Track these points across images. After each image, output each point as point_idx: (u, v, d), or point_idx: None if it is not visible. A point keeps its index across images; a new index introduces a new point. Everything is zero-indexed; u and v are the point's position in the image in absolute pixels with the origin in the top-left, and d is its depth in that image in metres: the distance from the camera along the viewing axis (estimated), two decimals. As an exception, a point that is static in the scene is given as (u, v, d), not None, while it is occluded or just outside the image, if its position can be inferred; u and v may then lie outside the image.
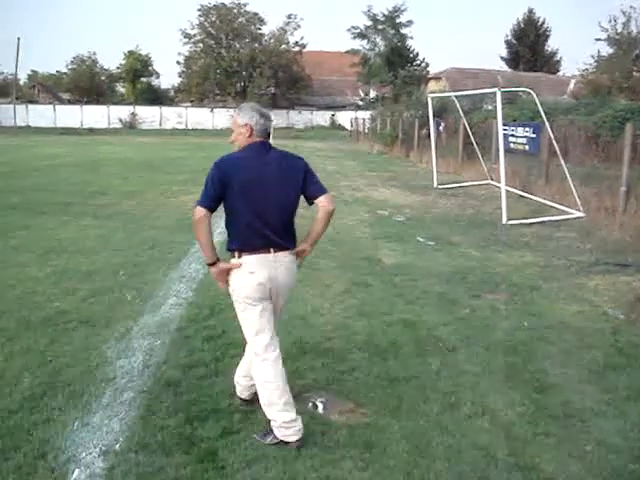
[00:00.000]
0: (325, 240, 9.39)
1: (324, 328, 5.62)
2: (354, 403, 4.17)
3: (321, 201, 3.74)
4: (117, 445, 3.59)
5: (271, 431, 3.66)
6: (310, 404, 4.12)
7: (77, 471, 3.34)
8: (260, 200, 3.63)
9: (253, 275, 3.64)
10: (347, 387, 4.42)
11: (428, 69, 54.23)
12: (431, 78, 51.32)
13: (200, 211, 3.57)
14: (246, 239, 3.66)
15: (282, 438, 3.61)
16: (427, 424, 3.91)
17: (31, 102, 65.67)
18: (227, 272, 3.72)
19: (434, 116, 20.00)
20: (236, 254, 3.69)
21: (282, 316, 4.16)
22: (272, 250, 3.66)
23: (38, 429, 3.73)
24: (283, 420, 3.61)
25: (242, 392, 4.09)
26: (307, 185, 3.75)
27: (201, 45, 66.20)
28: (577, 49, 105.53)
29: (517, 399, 4.27)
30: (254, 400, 3.89)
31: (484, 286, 7.15)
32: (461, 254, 8.85)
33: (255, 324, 3.71)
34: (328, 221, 3.79)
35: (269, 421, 3.68)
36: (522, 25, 60.72)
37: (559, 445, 3.69)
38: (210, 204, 3.60)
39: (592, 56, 34.70)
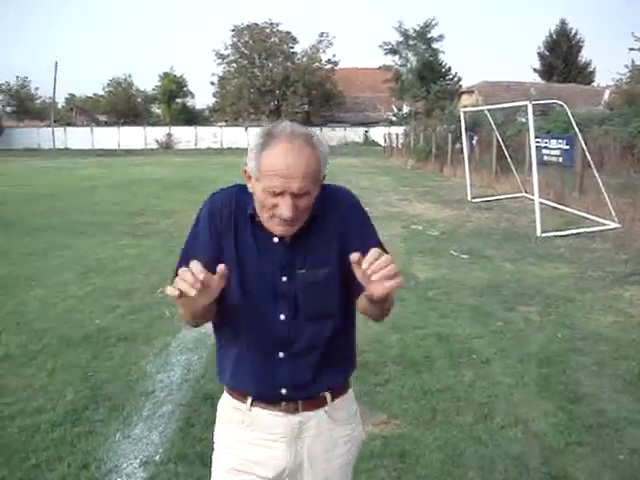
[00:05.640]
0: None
1: (358, 342, 5.65)
2: (388, 414, 4.22)
3: None
4: (157, 456, 3.69)
5: None
6: (344, 416, 4.17)
7: (119, 481, 3.45)
8: None
9: None
10: (381, 399, 4.47)
11: (460, 83, 54.18)
12: (464, 92, 51.17)
13: None
14: None
15: None
16: (460, 434, 3.94)
17: (69, 125, 67.06)
18: None
19: (467, 130, 19.99)
20: None
21: None
22: None
23: (81, 441, 3.85)
24: None
25: None
26: None
27: (235, 65, 67.17)
28: (611, 59, 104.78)
29: (550, 409, 4.28)
30: None
31: (518, 299, 7.14)
32: (495, 267, 8.84)
33: None
34: None
35: None
36: (554, 36, 60.31)
37: (592, 454, 3.69)
38: None
39: (626, 66, 34.50)
